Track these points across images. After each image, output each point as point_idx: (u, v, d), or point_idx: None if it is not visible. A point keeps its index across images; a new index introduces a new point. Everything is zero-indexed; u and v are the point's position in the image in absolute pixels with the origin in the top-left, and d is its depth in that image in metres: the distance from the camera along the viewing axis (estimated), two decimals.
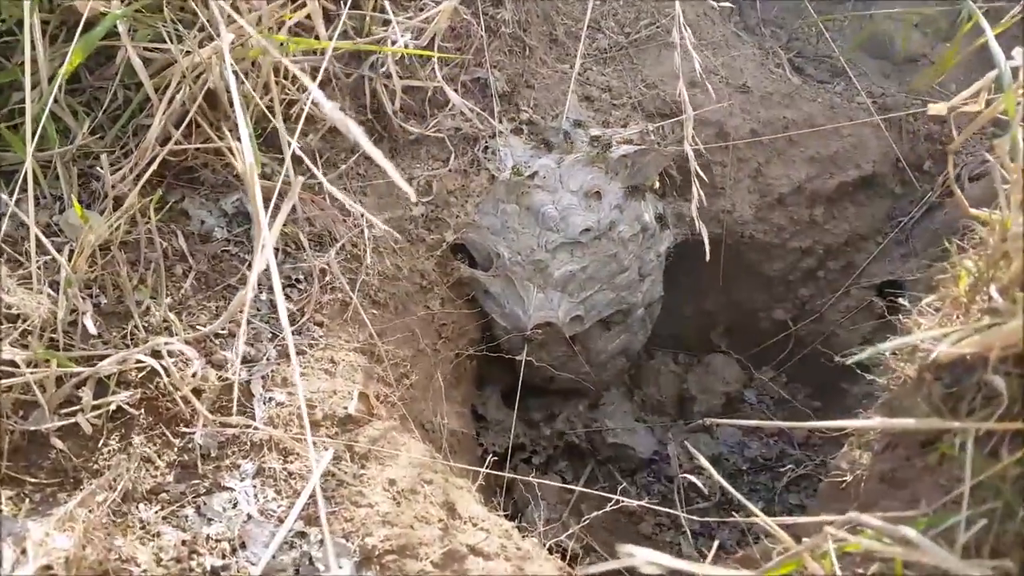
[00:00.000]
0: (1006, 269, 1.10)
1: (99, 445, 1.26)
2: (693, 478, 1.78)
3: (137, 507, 1.22)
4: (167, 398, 1.34)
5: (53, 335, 1.30)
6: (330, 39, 1.50)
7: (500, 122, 2.02)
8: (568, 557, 1.66)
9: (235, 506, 1.25)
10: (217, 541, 1.20)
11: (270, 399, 1.41)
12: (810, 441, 2.36)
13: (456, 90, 1.96)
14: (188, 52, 1.50)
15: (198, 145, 1.60)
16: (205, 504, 1.24)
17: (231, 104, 1.39)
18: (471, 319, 2.04)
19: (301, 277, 1.63)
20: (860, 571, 1.03)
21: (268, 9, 1.52)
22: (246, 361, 1.45)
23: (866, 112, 2.37)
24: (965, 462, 0.97)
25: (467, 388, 2.06)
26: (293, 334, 1.54)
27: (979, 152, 2.26)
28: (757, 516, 1.14)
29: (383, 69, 1.84)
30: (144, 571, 1.13)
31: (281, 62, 1.56)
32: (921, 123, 2.41)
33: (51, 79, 1.41)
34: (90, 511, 1.16)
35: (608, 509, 1.43)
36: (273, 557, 1.17)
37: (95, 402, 1.27)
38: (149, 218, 1.49)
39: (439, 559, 1.22)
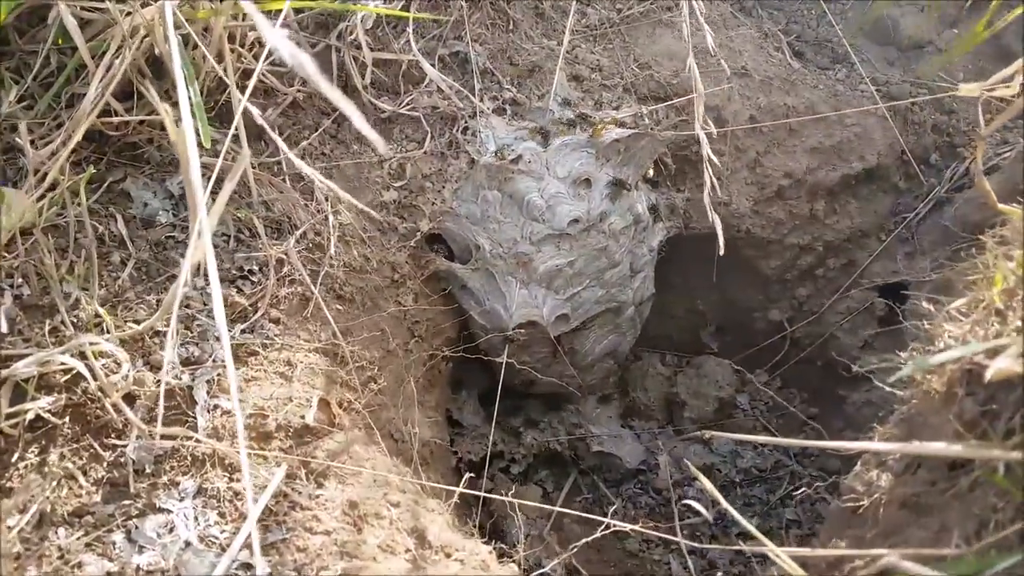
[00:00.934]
0: None
1: (13, 459, 1.16)
2: (689, 501, 1.64)
3: (56, 532, 1.12)
4: (96, 405, 1.23)
5: None
6: None
7: (481, 100, 1.93)
8: None
9: (171, 531, 1.14)
10: (149, 572, 1.10)
11: (215, 407, 1.31)
12: (807, 451, 2.26)
13: (433, 64, 1.88)
14: (129, 13, 1.39)
15: (141, 117, 1.48)
16: (136, 529, 1.14)
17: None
18: (447, 317, 1.94)
19: (255, 268, 1.52)
20: None
21: None
22: (188, 363, 1.35)
23: (870, 100, 2.27)
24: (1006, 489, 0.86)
25: (441, 392, 1.95)
26: (245, 332, 1.44)
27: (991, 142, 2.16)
28: (765, 544, 1.04)
29: (352, 38, 1.72)
30: None
31: (236, 27, 1.42)
32: (927, 113, 2.33)
33: None
34: None
35: (597, 535, 1.29)
36: None
37: (10, 409, 1.17)
38: (81, 199, 1.36)
39: None
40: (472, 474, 1.50)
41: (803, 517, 2.02)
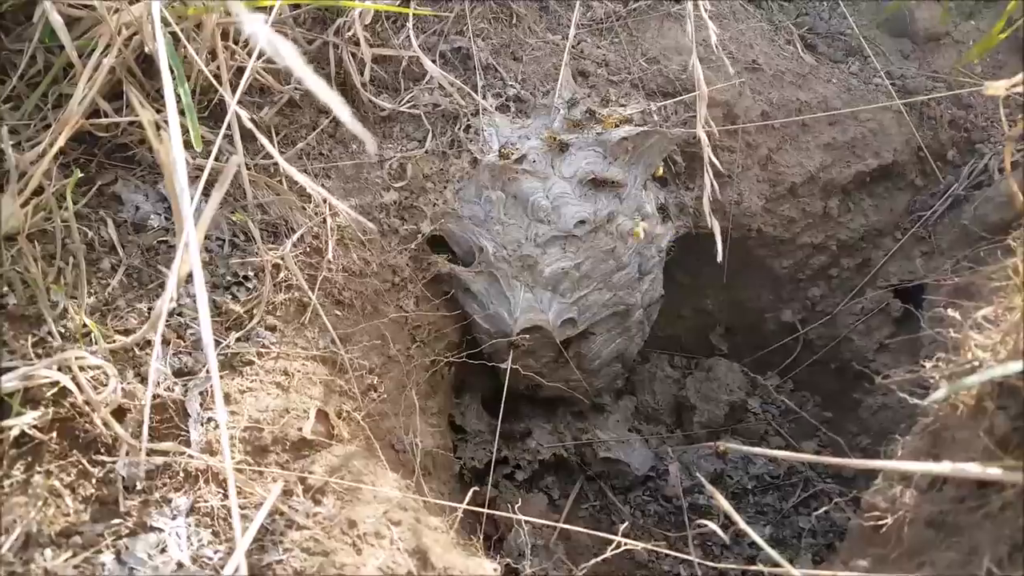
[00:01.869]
0: None
1: None
2: (702, 520, 1.58)
3: (42, 554, 1.07)
4: (84, 419, 1.18)
5: None
6: None
7: (484, 98, 1.88)
8: None
9: (163, 551, 1.11)
10: None
11: (208, 419, 1.26)
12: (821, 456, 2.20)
13: (434, 61, 1.84)
14: (117, 10, 1.35)
15: (131, 119, 1.42)
16: (127, 549, 1.10)
17: (171, 70, 1.19)
18: (450, 321, 1.90)
19: (251, 273, 1.47)
20: None
21: None
22: (181, 374, 1.31)
23: (885, 95, 2.23)
24: None
25: (444, 398, 1.91)
26: (240, 340, 1.38)
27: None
28: (783, 566, 0.98)
29: (350, 34, 1.67)
30: None
31: (230, 24, 1.36)
32: (944, 107, 2.27)
33: None
34: None
35: (608, 555, 1.24)
36: None
37: None
38: (68, 203, 1.32)
39: None
40: (476, 488, 1.45)
41: (818, 526, 1.97)
